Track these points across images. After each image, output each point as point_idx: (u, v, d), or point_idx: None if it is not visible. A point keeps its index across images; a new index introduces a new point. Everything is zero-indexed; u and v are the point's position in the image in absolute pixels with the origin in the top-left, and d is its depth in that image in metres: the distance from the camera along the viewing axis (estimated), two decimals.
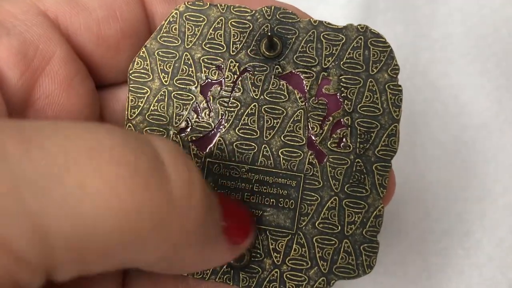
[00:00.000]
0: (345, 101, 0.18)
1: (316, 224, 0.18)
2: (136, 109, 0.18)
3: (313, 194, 0.18)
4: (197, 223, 0.14)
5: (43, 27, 0.17)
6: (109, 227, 0.11)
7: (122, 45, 0.18)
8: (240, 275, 0.18)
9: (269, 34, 0.18)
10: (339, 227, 0.18)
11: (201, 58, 0.18)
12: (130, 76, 0.18)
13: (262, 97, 0.18)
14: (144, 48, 0.18)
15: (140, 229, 0.12)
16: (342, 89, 0.18)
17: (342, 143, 0.18)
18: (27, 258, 0.11)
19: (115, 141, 0.12)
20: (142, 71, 0.18)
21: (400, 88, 0.18)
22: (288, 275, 0.18)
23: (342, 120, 0.18)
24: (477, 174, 0.27)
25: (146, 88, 0.18)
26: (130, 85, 0.18)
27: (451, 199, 0.26)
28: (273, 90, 0.18)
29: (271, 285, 0.18)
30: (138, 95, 0.18)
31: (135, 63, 0.18)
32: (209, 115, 0.18)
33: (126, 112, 0.18)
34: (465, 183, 0.27)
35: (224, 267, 0.18)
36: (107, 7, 0.18)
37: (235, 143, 0.18)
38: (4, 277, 0.11)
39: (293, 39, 0.18)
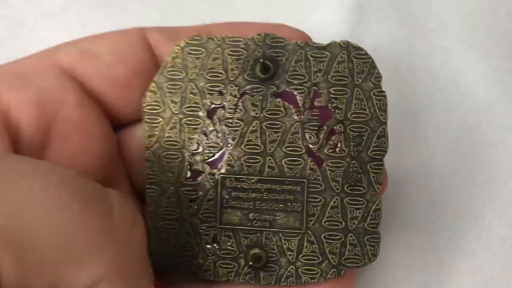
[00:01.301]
0: (336, 110, 0.20)
1: (323, 223, 0.20)
2: (152, 138, 0.20)
3: (317, 196, 0.20)
4: (133, 260, 0.15)
5: (57, 77, 0.19)
6: (48, 240, 0.13)
7: (133, 84, 0.20)
8: (261, 274, 0.20)
9: (260, 60, 0.20)
10: (343, 223, 0.20)
11: (205, 86, 0.20)
12: (144, 109, 0.20)
13: (262, 115, 0.20)
14: (153, 83, 0.20)
15: (76, 247, 0.13)
16: (332, 100, 0.20)
17: (338, 148, 0.20)
18: None
19: (67, 170, 0.14)
20: (154, 103, 0.20)
21: (384, 94, 0.20)
22: (302, 270, 0.20)
23: (335, 128, 0.20)
24: (485, 157, 0.27)
25: (159, 118, 0.20)
26: (145, 117, 0.20)
27: (458, 185, 0.26)
28: (271, 108, 0.20)
29: (288, 280, 0.20)
30: (153, 125, 0.20)
31: (147, 97, 0.20)
32: (217, 136, 0.20)
33: (144, 142, 0.21)
34: (472, 168, 0.27)
35: (246, 268, 0.20)
36: (115, 52, 0.20)
37: (242, 158, 0.20)
38: None
39: (284, 60, 0.20)
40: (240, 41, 0.20)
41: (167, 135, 0.20)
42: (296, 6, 0.29)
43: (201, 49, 0.20)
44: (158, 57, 0.21)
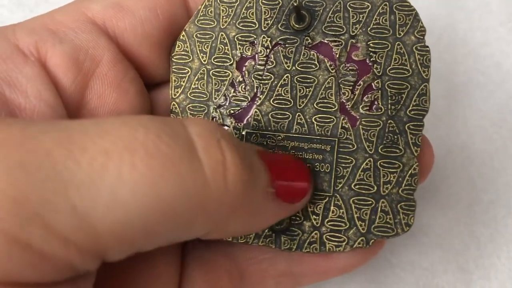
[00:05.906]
0: (374, 65, 0.18)
1: (352, 186, 0.18)
2: (179, 89, 0.20)
3: (347, 157, 0.18)
4: (237, 198, 0.14)
5: (91, 33, 0.19)
6: (148, 212, 0.13)
7: (165, 42, 0.19)
8: (282, 238, 0.19)
9: (296, 6, 0.19)
10: (375, 187, 0.18)
11: (236, 36, 0.19)
12: (173, 59, 0.20)
13: (294, 68, 0.19)
14: (183, 32, 0.20)
15: (179, 211, 0.13)
16: (371, 54, 0.18)
17: (374, 106, 0.18)
18: (76, 243, 0.12)
19: (149, 136, 0.13)
20: (183, 53, 0.20)
21: (427, 48, 0.18)
22: (327, 236, 0.18)
23: (372, 83, 0.18)
24: None
25: (187, 68, 0.20)
26: (173, 67, 0.20)
27: (498, 169, 0.25)
28: (304, 61, 0.19)
29: (311, 246, 0.18)
30: (180, 75, 0.20)
31: (176, 46, 0.20)
32: (245, 88, 0.19)
33: (170, 92, 0.20)
34: None
35: (266, 231, 0.19)
36: (149, 7, 0.19)
37: (270, 113, 0.19)
38: (60, 261, 0.12)
39: (321, 11, 0.19)
40: None
41: (193, 86, 0.20)
42: None
43: None
44: (190, 10, 0.20)
